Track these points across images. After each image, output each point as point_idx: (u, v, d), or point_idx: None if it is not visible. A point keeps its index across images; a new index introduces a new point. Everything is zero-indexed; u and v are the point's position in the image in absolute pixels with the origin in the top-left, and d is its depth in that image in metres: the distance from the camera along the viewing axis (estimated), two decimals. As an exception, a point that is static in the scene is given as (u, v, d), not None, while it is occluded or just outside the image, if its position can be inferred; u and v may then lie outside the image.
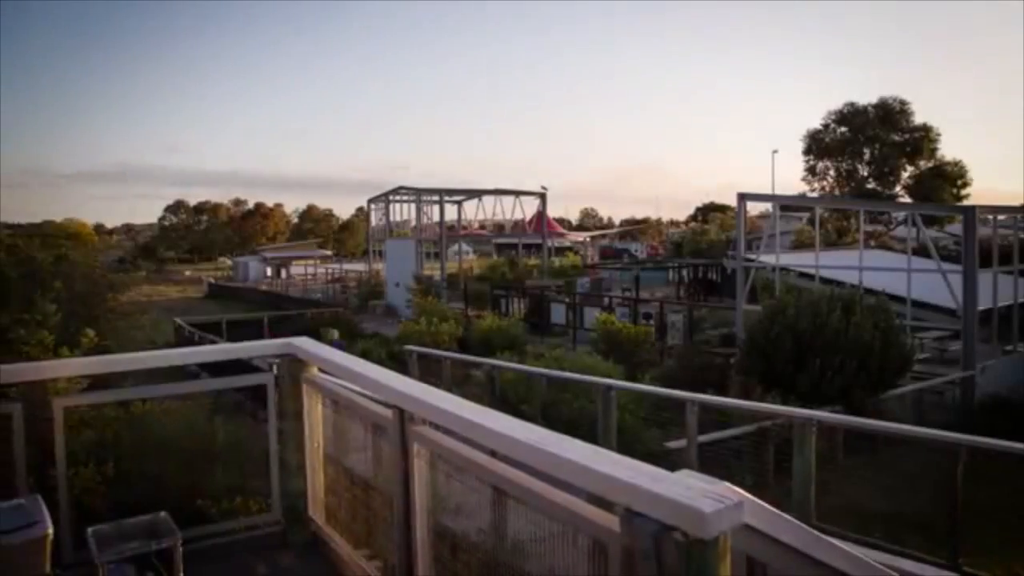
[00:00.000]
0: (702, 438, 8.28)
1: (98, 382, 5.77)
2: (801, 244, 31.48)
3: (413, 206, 38.64)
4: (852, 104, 39.55)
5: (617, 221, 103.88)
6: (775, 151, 46.56)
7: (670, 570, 1.65)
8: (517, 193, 40.79)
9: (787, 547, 1.88)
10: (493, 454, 2.41)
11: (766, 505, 1.85)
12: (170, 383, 3.95)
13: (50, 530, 2.74)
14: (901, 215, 33.34)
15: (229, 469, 4.97)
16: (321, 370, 3.92)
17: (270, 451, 4.02)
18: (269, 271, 55.03)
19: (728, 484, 1.79)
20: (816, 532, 1.93)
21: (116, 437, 4.72)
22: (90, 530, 3.03)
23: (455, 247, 42.51)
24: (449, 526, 2.67)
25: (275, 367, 4.01)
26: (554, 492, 2.03)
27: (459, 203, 40.40)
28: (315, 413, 3.95)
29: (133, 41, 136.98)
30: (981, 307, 15.81)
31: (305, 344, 3.92)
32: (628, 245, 65.11)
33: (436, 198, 36.94)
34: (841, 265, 18.43)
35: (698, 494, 1.66)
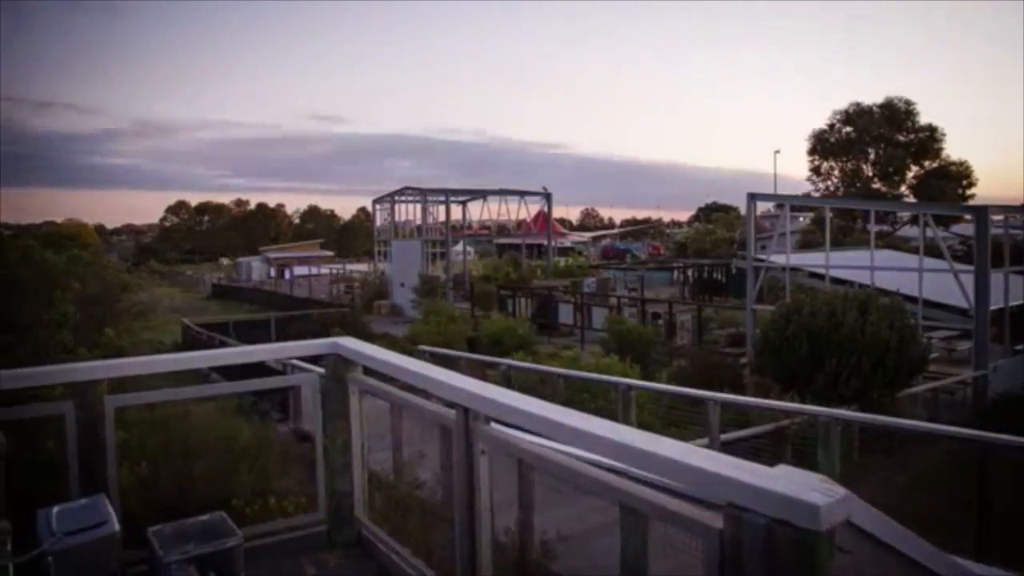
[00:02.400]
0: (723, 437, 8.30)
1: (114, 384, 5.78)
2: (806, 244, 31.51)
3: (413, 206, 38.73)
4: (858, 104, 39.65)
5: (618, 221, 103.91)
6: (777, 151, 46.72)
7: (781, 564, 1.66)
8: (521, 193, 40.82)
9: (880, 542, 1.89)
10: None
11: (861, 500, 1.86)
12: (218, 383, 3.96)
13: (117, 529, 2.75)
14: (906, 215, 33.38)
15: (268, 469, 4.98)
16: (367, 369, 3.92)
17: (316, 451, 4.03)
18: (272, 272, 55.03)
19: (826, 478, 1.80)
20: (908, 530, 1.94)
21: (146, 438, 4.73)
22: (151, 530, 3.03)
23: (457, 247, 42.52)
24: (519, 527, 2.67)
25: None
26: (644, 490, 2.03)
27: (463, 203, 40.44)
28: (362, 413, 3.96)
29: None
30: (991, 307, 15.83)
31: (352, 344, 3.92)
32: (630, 245, 65.12)
33: (441, 198, 36.97)
34: (850, 265, 18.44)
35: (806, 488, 1.67)
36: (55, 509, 2.79)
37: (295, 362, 9.49)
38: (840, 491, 1.69)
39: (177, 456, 4.53)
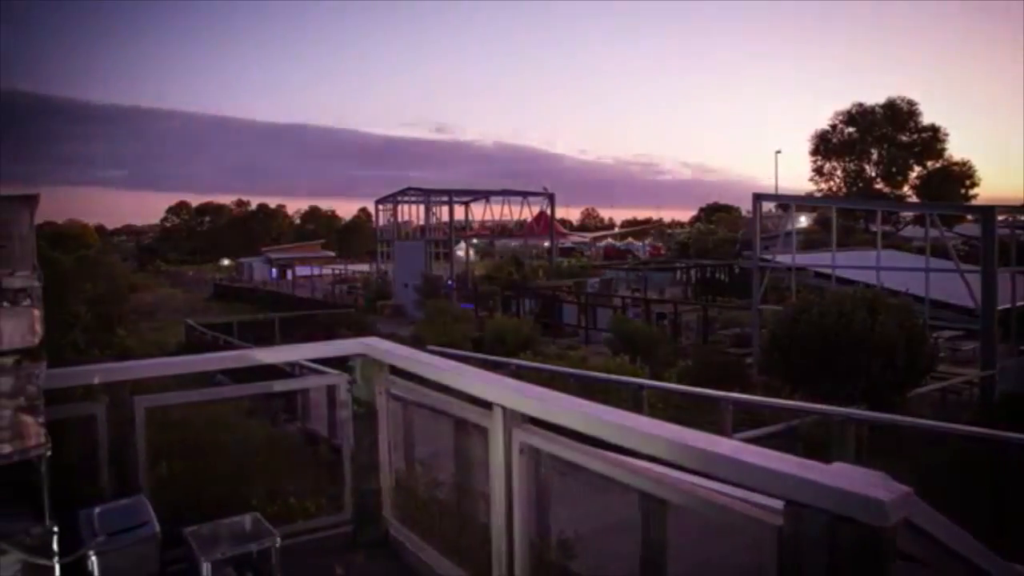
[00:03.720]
0: (737, 436, 8.31)
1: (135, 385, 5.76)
2: (808, 244, 31.52)
3: (416, 207, 38.81)
4: (860, 104, 39.65)
5: (618, 221, 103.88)
6: (778, 151, 46.70)
7: (844, 561, 1.67)
8: (524, 194, 40.85)
9: (938, 542, 1.89)
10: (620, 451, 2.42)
11: (919, 499, 1.86)
12: (248, 383, 3.98)
13: (158, 530, 2.76)
14: (909, 215, 33.42)
15: (287, 470, 4.98)
16: (395, 369, 3.93)
17: (343, 451, 4.04)
18: (274, 272, 55.04)
19: (884, 475, 1.81)
20: (964, 531, 1.94)
21: (164, 438, 4.73)
22: (187, 530, 3.04)
23: (458, 247, 42.55)
24: (560, 527, 2.66)
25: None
26: (698, 489, 2.04)
27: (466, 204, 40.48)
28: (389, 413, 3.96)
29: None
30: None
31: (381, 344, 3.94)
32: (631, 246, 65.09)
33: (444, 198, 37.04)
34: (855, 265, 18.45)
35: (868, 484, 1.68)
36: (97, 510, 2.80)
37: (305, 363, 9.47)
38: (902, 488, 1.70)
39: (197, 456, 4.53)
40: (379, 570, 3.89)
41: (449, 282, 33.79)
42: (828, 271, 17.40)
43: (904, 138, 38.93)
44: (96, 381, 3.42)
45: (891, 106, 39.20)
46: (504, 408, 2.85)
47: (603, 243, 69.32)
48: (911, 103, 39.20)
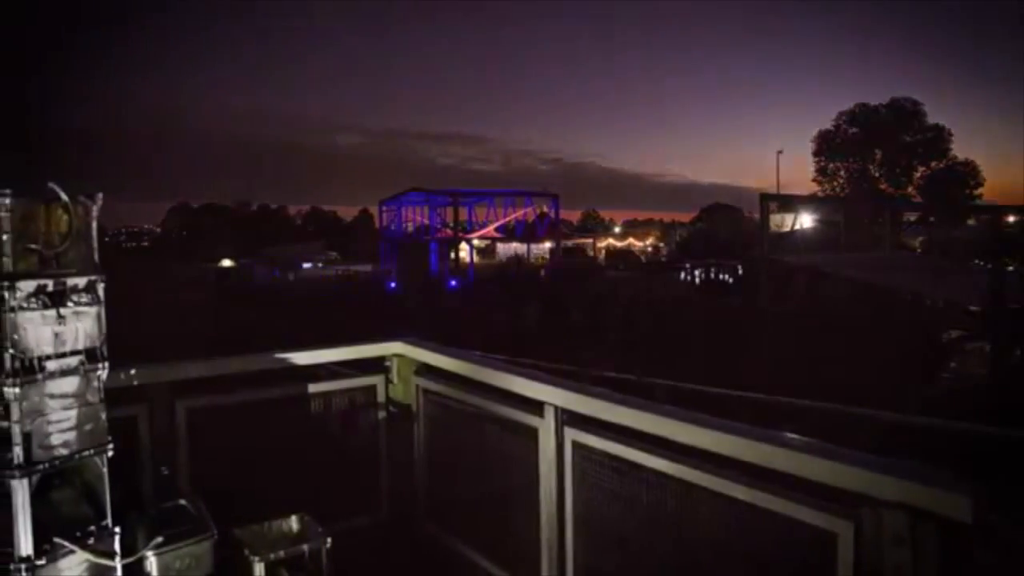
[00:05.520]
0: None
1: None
2: (813, 245, 31.57)
3: (419, 207, 38.84)
4: (864, 104, 39.62)
5: (619, 221, 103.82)
6: (780, 151, 46.79)
7: (927, 556, 1.69)
8: (529, 194, 40.87)
9: (1009, 538, 1.92)
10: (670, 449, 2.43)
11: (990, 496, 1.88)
12: (283, 384, 4.00)
13: (214, 530, 2.78)
14: (912, 216, 33.46)
15: (327, 471, 4.98)
16: (431, 368, 3.95)
17: (380, 451, 4.06)
18: (277, 272, 54.90)
19: (954, 472, 1.83)
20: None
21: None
22: (237, 531, 3.05)
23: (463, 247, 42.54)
24: (615, 528, 2.67)
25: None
26: (765, 486, 2.05)
27: (470, 204, 40.51)
28: (426, 412, 3.98)
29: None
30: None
31: (418, 343, 3.97)
32: (632, 246, 65.02)
33: (448, 200, 37.08)
34: (862, 265, 18.47)
35: (945, 481, 1.70)
36: (152, 510, 2.82)
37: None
38: (977, 485, 1.72)
39: (238, 456, 4.53)
40: (416, 570, 3.90)
41: (452, 282, 33.84)
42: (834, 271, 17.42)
43: (908, 138, 38.91)
44: (137, 382, 3.43)
45: (895, 106, 39.22)
46: (556, 407, 2.86)
47: (604, 243, 69.31)
48: (915, 103, 39.21)
